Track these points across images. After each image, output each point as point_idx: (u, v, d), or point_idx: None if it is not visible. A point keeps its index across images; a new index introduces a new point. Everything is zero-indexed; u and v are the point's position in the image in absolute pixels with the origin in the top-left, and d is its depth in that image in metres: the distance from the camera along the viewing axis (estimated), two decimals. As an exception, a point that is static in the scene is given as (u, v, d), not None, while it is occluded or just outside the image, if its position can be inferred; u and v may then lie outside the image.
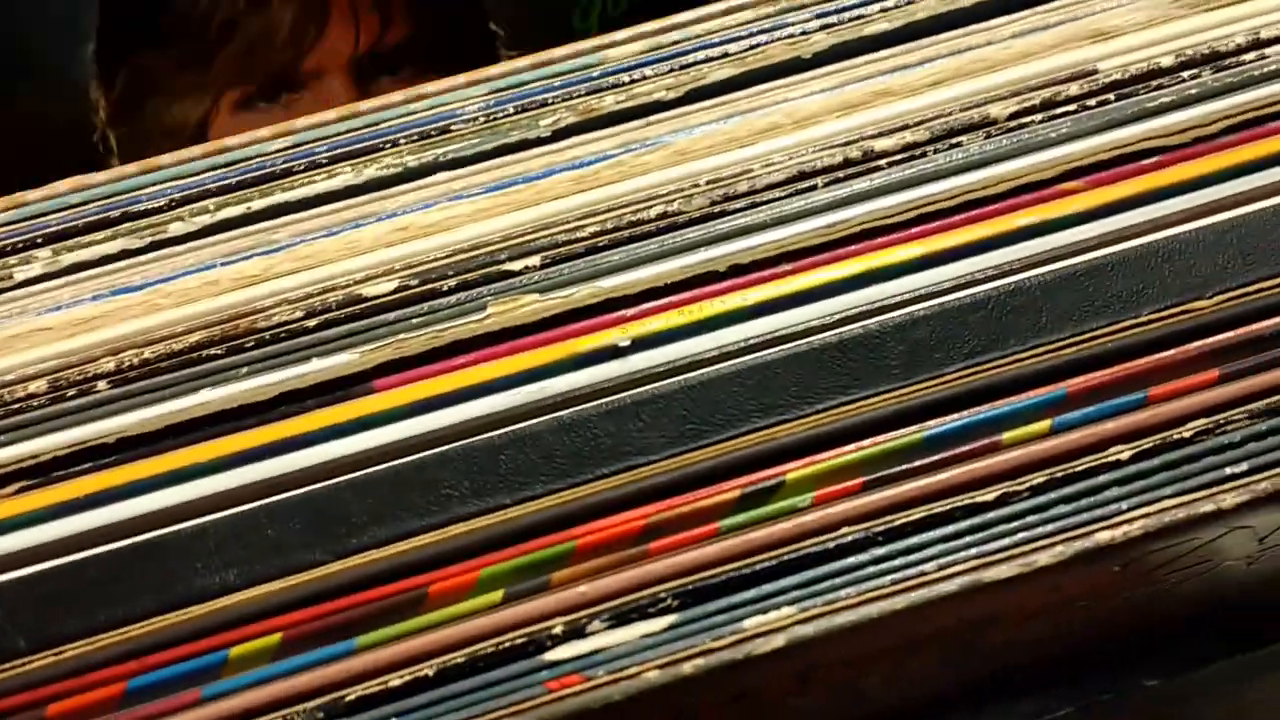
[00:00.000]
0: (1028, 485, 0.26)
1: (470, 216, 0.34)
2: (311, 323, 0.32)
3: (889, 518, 0.26)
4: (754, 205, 0.33)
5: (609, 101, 0.35)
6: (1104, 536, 0.25)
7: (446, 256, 0.33)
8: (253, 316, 0.32)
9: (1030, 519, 0.25)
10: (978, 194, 0.32)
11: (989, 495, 0.26)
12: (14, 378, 0.31)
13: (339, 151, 0.35)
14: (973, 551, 0.25)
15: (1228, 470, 0.26)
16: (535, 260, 0.32)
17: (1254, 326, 0.28)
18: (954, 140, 0.33)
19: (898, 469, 0.26)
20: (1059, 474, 0.26)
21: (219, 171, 0.35)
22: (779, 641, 0.25)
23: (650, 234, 0.33)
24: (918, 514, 0.26)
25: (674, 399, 0.28)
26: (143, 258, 0.34)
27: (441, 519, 0.27)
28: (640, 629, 0.25)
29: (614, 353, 0.30)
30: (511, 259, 0.33)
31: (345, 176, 0.35)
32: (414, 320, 0.31)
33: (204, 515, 0.28)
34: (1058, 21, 0.36)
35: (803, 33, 0.36)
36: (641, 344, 0.30)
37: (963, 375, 0.28)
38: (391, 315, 0.32)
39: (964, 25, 0.36)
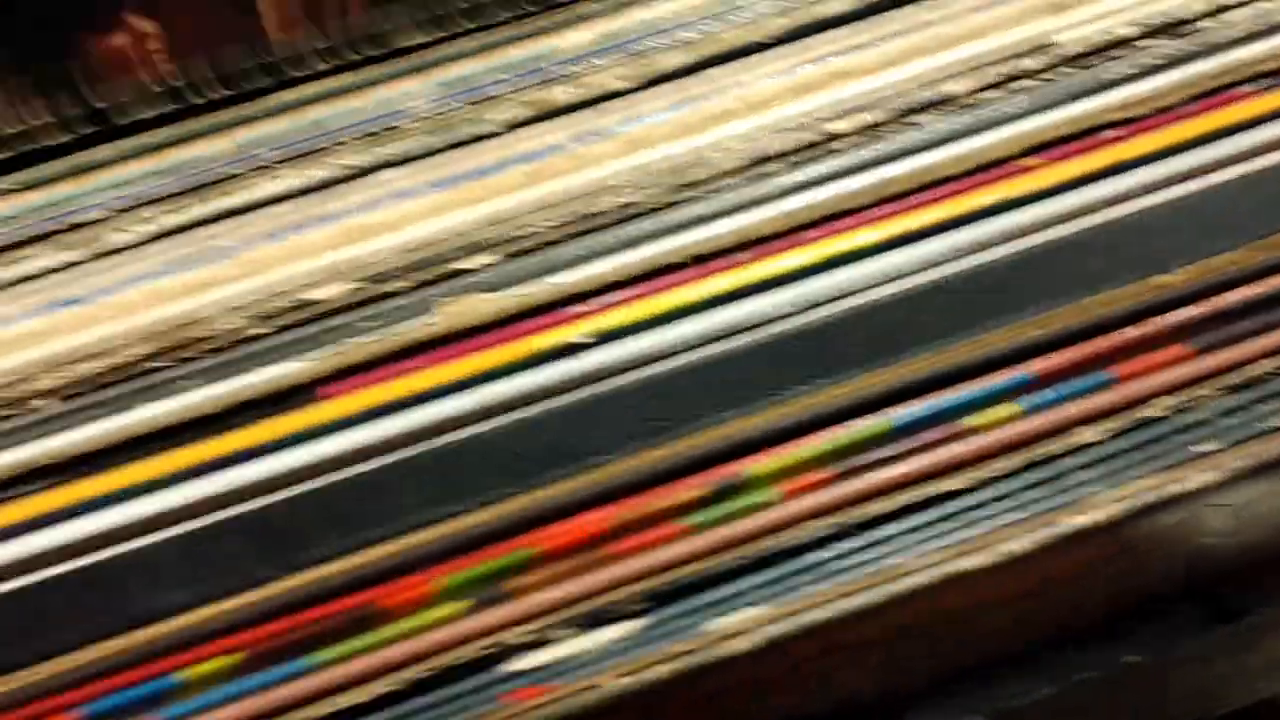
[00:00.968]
0: (998, 471, 0.25)
1: (420, 215, 0.33)
2: (259, 330, 0.31)
3: (858, 509, 0.25)
4: (711, 193, 0.32)
5: (558, 92, 0.35)
6: (1078, 521, 0.24)
7: (397, 256, 0.32)
8: (197, 326, 0.31)
9: (1002, 504, 0.25)
10: (938, 174, 0.31)
11: (959, 482, 0.25)
12: (-50, 399, 0.30)
13: (280, 153, 0.34)
14: (945, 541, 0.24)
15: (1200, 448, 0.26)
16: (488, 258, 0.32)
17: (1221, 300, 0.28)
18: (912, 120, 0.33)
19: (865, 459, 0.26)
20: (1029, 459, 0.25)
21: (160, 179, 0.34)
22: (751, 642, 0.24)
23: (606, 225, 0.32)
24: (888, 504, 0.25)
25: (634, 395, 0.27)
26: (83, 269, 0.33)
27: (396, 528, 0.26)
28: (606, 635, 0.24)
29: (570, 350, 0.29)
30: (463, 257, 0.32)
31: (290, 179, 0.34)
32: (362, 324, 0.30)
33: (153, 533, 0.27)
34: (1015, -7, 0.35)
35: (757, 16, 0.35)
36: (601, 339, 0.29)
37: (928, 360, 0.27)
38: (340, 320, 0.31)
39: (921, 1, 0.35)
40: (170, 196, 0.34)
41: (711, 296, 0.30)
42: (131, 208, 0.34)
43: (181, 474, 0.28)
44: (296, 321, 0.31)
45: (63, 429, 0.29)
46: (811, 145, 0.33)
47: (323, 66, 0.35)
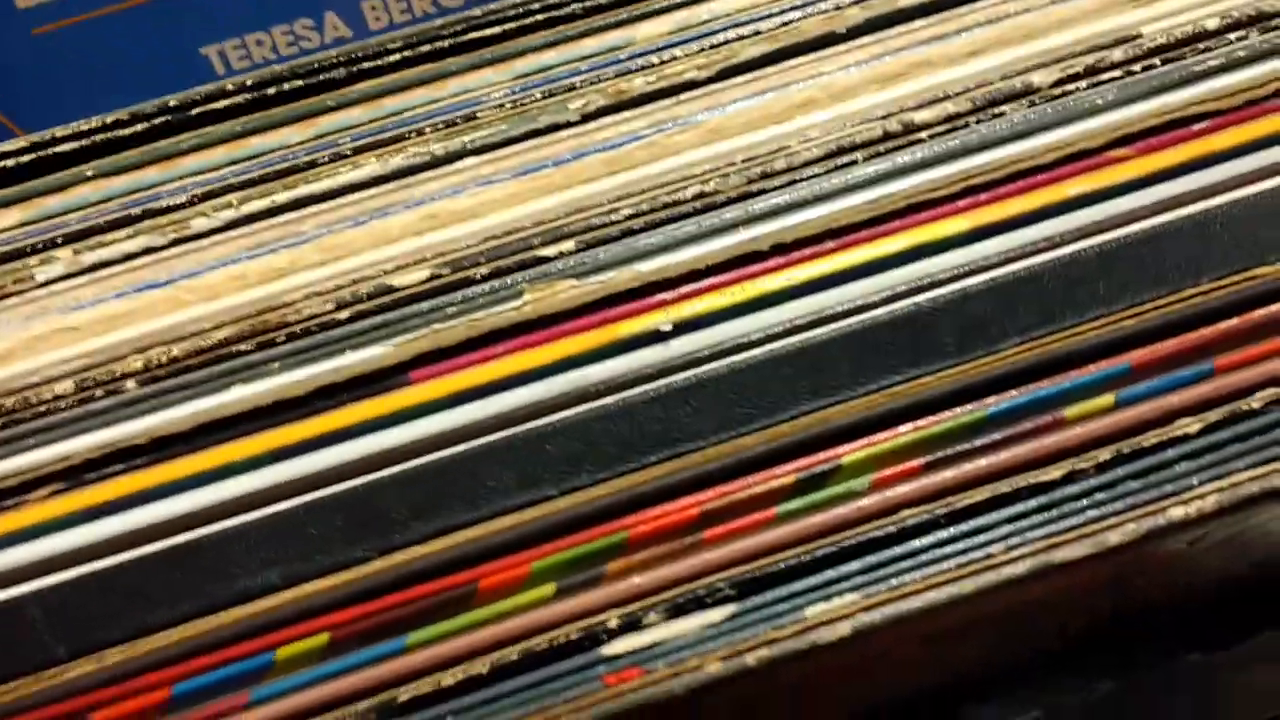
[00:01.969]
0: (1094, 462, 0.25)
1: (501, 202, 0.33)
2: (343, 315, 0.31)
3: (951, 499, 0.25)
4: (793, 182, 0.32)
5: (638, 83, 0.35)
6: (1176, 513, 0.24)
7: (478, 243, 0.32)
8: (282, 310, 0.31)
9: (1099, 496, 0.25)
10: (1025, 164, 0.31)
11: (1055, 473, 0.25)
12: (40, 379, 0.30)
13: (363, 143, 0.34)
14: (1041, 532, 0.24)
15: (1301, 441, 0.25)
16: (570, 245, 0.32)
17: (1319, 291, 0.28)
18: (996, 110, 0.32)
19: (958, 449, 0.25)
20: (1126, 450, 0.25)
21: (241, 165, 0.34)
22: (844, 630, 0.24)
23: (687, 215, 0.32)
24: (981, 494, 0.25)
25: (722, 383, 0.27)
26: (166, 253, 0.33)
27: (487, 512, 0.26)
28: (699, 620, 0.24)
29: (656, 337, 0.29)
30: (545, 244, 0.32)
31: (371, 167, 0.34)
32: (448, 310, 0.30)
33: (242, 514, 0.27)
34: (1096, -14, 0.35)
35: (836, 7, 0.35)
36: (684, 327, 0.29)
37: (1020, 351, 0.27)
38: (425, 305, 0.31)
39: (1000, -7, 0.35)
40: (252, 183, 0.34)
41: (797, 285, 0.30)
42: (214, 193, 0.34)
43: (271, 455, 0.28)
44: (381, 306, 0.31)
45: (152, 410, 0.29)
46: (894, 135, 0.32)
47: (396, 58, 0.35)
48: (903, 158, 0.32)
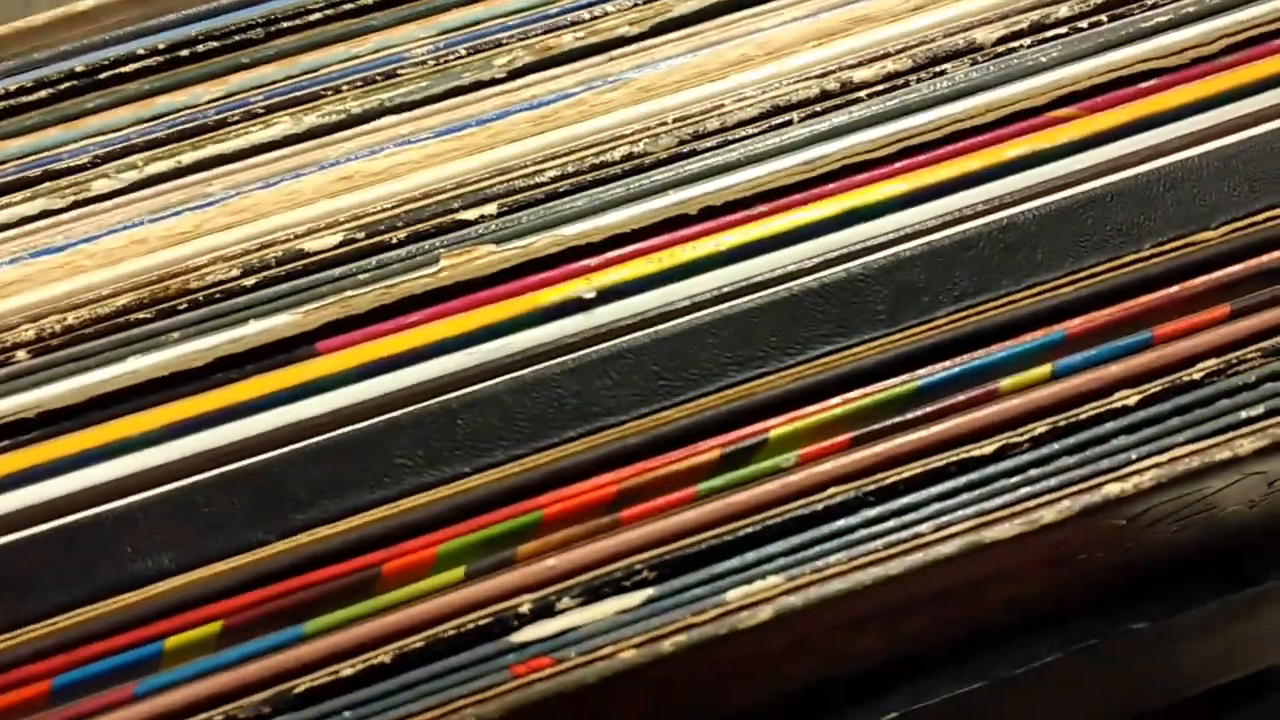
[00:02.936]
0: (1028, 436, 0.24)
1: (420, 163, 0.31)
2: (249, 281, 0.29)
3: (880, 476, 0.24)
4: (725, 144, 0.30)
5: (568, 39, 0.33)
6: (1113, 490, 0.23)
7: (395, 206, 0.30)
8: (185, 276, 0.30)
9: (1032, 473, 0.23)
10: (965, 124, 0.29)
11: (987, 448, 0.24)
12: (-76, 350, 0.28)
13: (276, 100, 0.32)
14: (971, 510, 0.23)
15: (1243, 414, 0.24)
16: (491, 208, 0.30)
17: (1264, 258, 0.27)
18: (938, 69, 0.31)
19: (888, 422, 0.24)
20: (1061, 423, 0.24)
21: (146, 125, 0.32)
22: (765, 614, 0.23)
23: (615, 177, 0.30)
24: (911, 471, 0.24)
25: (644, 353, 0.26)
26: (64, 216, 0.31)
27: (395, 491, 0.25)
28: (614, 604, 0.23)
29: (579, 305, 0.28)
30: (465, 207, 0.30)
31: (284, 125, 0.32)
32: (360, 276, 0.29)
33: (134, 494, 0.26)
34: (1045, -61, 0.33)
35: (773, -42, 0.34)
36: (608, 295, 0.28)
37: (954, 319, 0.26)
38: (336, 271, 0.29)
39: (943, -54, 0.34)
40: (158, 143, 0.32)
41: (726, 251, 0.28)
42: (117, 154, 0.32)
43: (167, 430, 0.27)
44: (290, 273, 0.29)
45: (42, 382, 0.28)
46: (831, 94, 0.31)
47: (316, 15, 0.33)
48: (839, 118, 0.30)
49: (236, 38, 0.34)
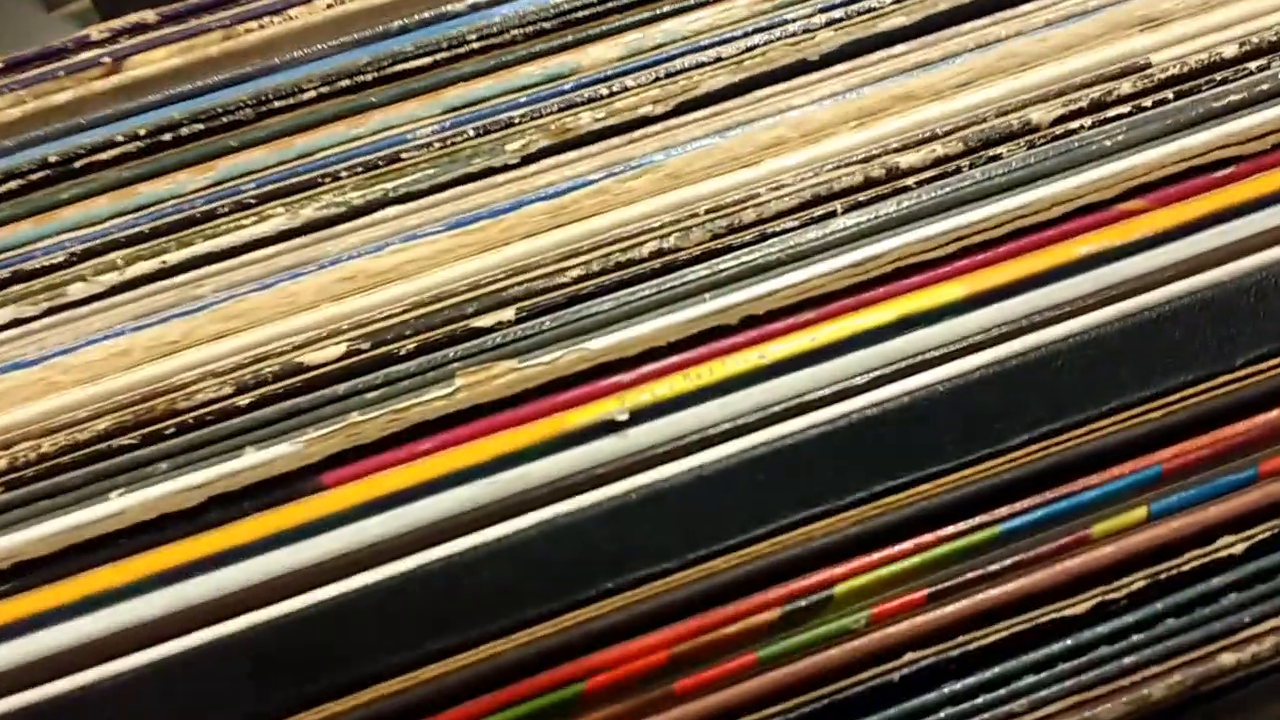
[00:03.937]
0: (1126, 591, 0.21)
1: (429, 260, 0.29)
2: (243, 400, 0.27)
3: (962, 639, 0.21)
4: (763, 238, 0.28)
5: (585, 119, 0.30)
6: (1227, 660, 0.20)
7: (402, 312, 0.28)
8: (172, 395, 0.27)
9: (1135, 638, 0.21)
10: (1028, 219, 0.27)
11: (1081, 607, 0.21)
12: (-120, 486, 0.25)
13: (269, 189, 0.30)
14: (1070, 684, 0.20)
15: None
16: (509, 313, 0.27)
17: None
18: (992, 152, 0.29)
19: (969, 575, 0.22)
20: (1162, 575, 0.21)
21: (127, 217, 0.30)
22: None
23: (644, 276, 0.28)
24: (997, 633, 0.21)
25: (686, 491, 0.23)
26: (37, 324, 0.28)
27: (406, 658, 0.22)
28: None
29: (610, 428, 0.25)
30: (480, 313, 0.27)
31: (278, 219, 0.29)
32: (368, 395, 0.26)
33: (123, 657, 0.23)
34: (1097, 6, 0.31)
35: (805, 30, 0.31)
36: (642, 416, 0.25)
37: (1032, 450, 0.23)
38: (340, 389, 0.26)
39: (990, 14, 0.31)
40: (141, 238, 0.29)
41: (769, 365, 0.26)
42: (96, 251, 0.29)
43: (156, 579, 0.24)
44: (289, 390, 0.27)
45: (15, 524, 0.25)
46: (876, 181, 0.28)
47: (310, 94, 0.31)
48: (887, 209, 0.28)
49: (224, 119, 0.31)
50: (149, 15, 0.32)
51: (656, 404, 0.25)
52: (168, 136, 0.31)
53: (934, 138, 0.29)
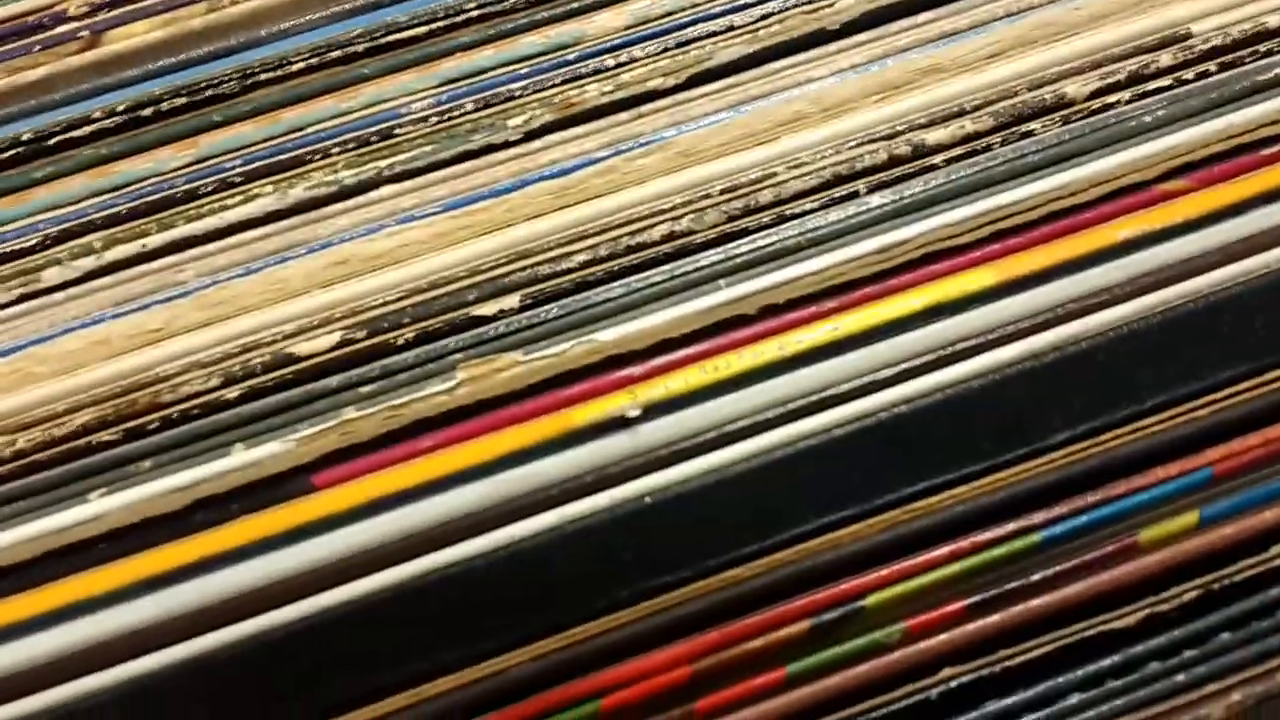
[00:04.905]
0: (1178, 604, 0.20)
1: (426, 244, 0.27)
2: (231, 394, 0.25)
3: (1003, 654, 0.20)
4: (781, 220, 0.26)
5: (591, 92, 0.29)
6: (1287, 679, 0.19)
7: (399, 299, 0.26)
8: (155, 387, 0.25)
9: (1187, 655, 0.19)
10: (1063, 201, 0.25)
11: (1130, 619, 0.20)
12: None
13: (256, 166, 0.28)
14: (1121, 702, 0.19)
15: None
16: (513, 300, 0.26)
17: None
18: (1024, 128, 0.27)
19: (1009, 586, 0.20)
20: (1215, 586, 0.20)
21: (104, 198, 0.28)
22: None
23: (655, 261, 0.26)
24: (1040, 648, 0.20)
25: (705, 495, 0.22)
26: (11, 312, 0.27)
27: (406, 673, 0.21)
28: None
29: (620, 424, 0.24)
30: (482, 300, 0.26)
31: (265, 199, 0.28)
32: (362, 390, 0.25)
33: (103, 670, 0.22)
34: (1133, -27, 0.29)
35: (825, -5, 0.29)
36: (654, 411, 0.24)
37: (1073, 450, 0.22)
38: (334, 382, 0.25)
39: (1018, -20, 0.30)
40: (118, 219, 0.28)
41: (790, 357, 0.24)
42: (72, 234, 0.28)
43: (140, 586, 0.22)
44: (280, 382, 0.25)
45: (-15, 529, 0.23)
46: (901, 159, 0.27)
47: (298, 65, 0.29)
48: (913, 189, 0.26)
49: (207, 92, 0.29)
50: (128, -16, 0.30)
51: (670, 399, 0.24)
52: (148, 111, 0.29)
53: (962, 113, 0.27)
